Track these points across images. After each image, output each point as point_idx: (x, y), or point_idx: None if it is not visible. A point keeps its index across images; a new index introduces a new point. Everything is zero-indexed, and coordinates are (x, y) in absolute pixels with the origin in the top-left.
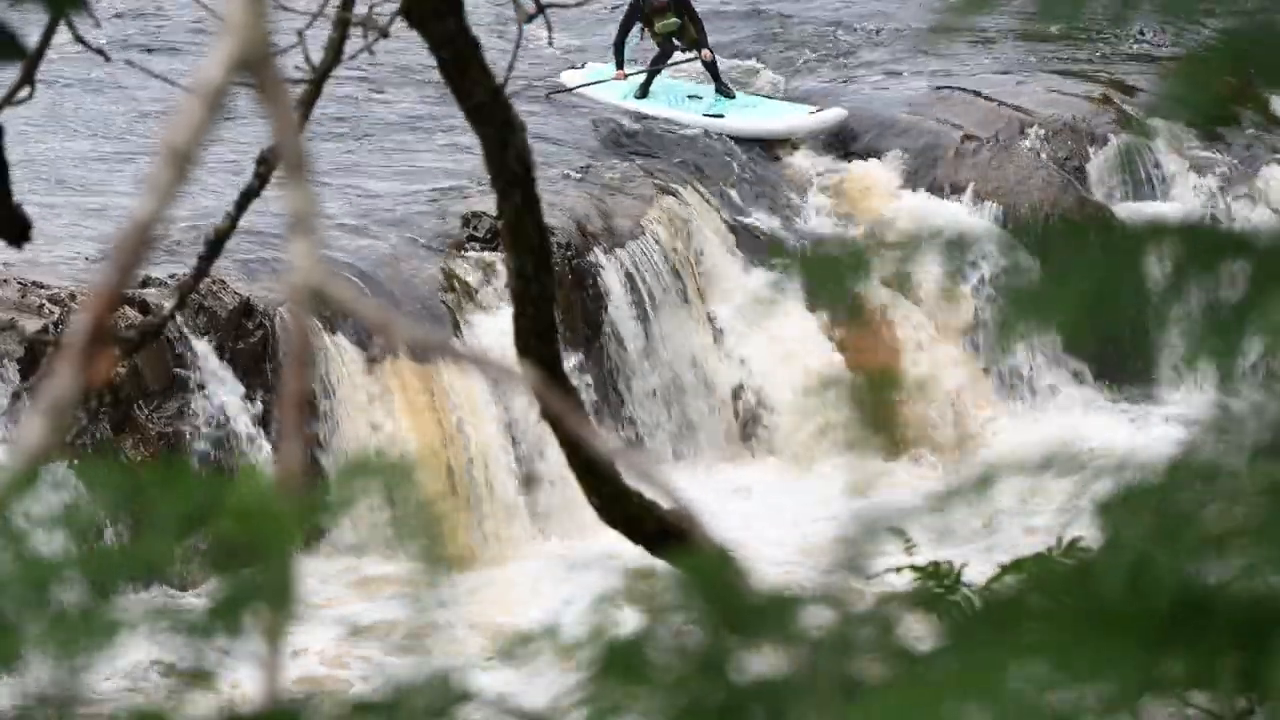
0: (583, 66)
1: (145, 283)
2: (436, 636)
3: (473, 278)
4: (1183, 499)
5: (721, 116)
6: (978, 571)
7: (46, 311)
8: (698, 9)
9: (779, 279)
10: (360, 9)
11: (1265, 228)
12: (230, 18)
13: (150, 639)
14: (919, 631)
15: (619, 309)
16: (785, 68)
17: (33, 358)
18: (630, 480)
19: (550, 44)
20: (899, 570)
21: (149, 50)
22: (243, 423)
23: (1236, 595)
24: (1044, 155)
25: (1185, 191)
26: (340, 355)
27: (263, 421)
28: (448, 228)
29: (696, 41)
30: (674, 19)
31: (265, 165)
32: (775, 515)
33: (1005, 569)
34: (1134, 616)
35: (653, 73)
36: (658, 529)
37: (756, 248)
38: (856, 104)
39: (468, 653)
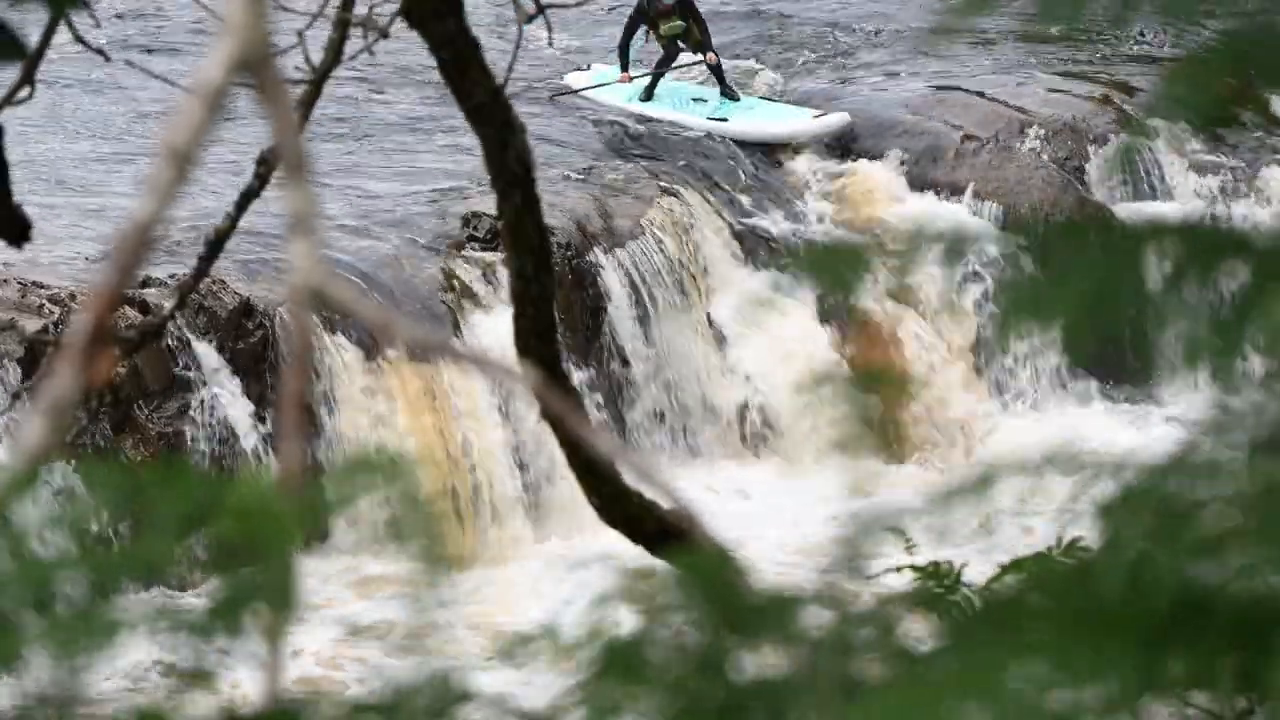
0: (588, 68)
1: (145, 283)
2: (436, 636)
3: (473, 278)
4: (1183, 499)
5: (725, 120)
6: (978, 571)
7: (46, 311)
8: (700, 10)
9: (778, 279)
10: (360, 9)
11: (1265, 228)
12: (230, 18)
13: (150, 639)
14: (919, 631)
15: (619, 309)
16: (784, 68)
17: (33, 358)
18: (630, 480)
19: (550, 45)
20: (899, 570)
21: (149, 51)
22: (242, 422)
23: (1236, 595)
24: (1044, 155)
25: (1185, 191)
26: (340, 355)
27: (263, 421)
28: (448, 228)
29: (701, 44)
30: (679, 22)
31: (265, 165)
32: (775, 515)
33: (1005, 569)
34: (1134, 616)
35: (657, 76)
36: (658, 529)
37: (758, 249)
38: (856, 105)
39: (468, 653)
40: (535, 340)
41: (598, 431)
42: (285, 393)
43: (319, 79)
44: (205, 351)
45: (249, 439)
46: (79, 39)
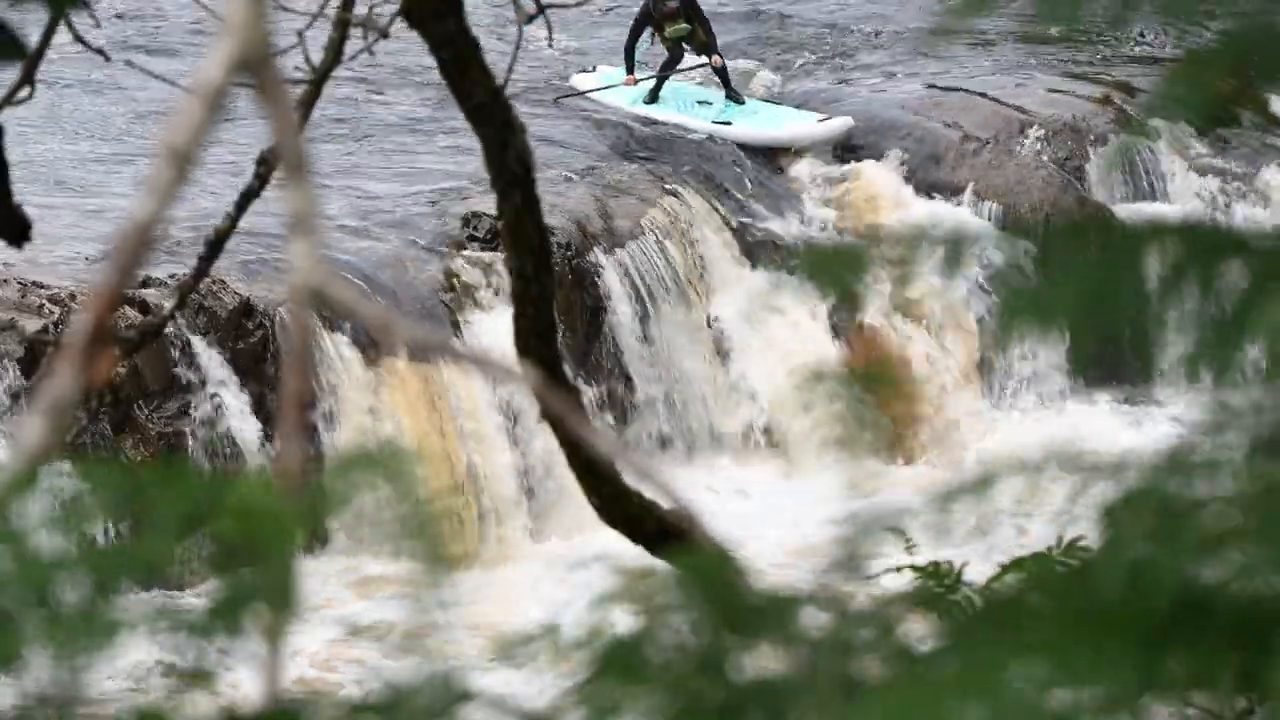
0: (593, 70)
1: (145, 283)
2: (436, 637)
3: (473, 278)
4: (1182, 499)
5: (729, 124)
6: (978, 571)
7: (46, 311)
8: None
9: (779, 280)
10: (360, 9)
11: (1265, 228)
12: (230, 18)
13: (150, 639)
14: (919, 631)
15: (619, 309)
16: (783, 69)
17: (33, 358)
18: (630, 480)
19: (550, 45)
20: (899, 570)
21: (149, 51)
22: (242, 422)
23: (1236, 595)
24: (1044, 155)
25: (1185, 192)
26: (340, 355)
27: (263, 421)
28: (448, 228)
29: (706, 47)
30: (684, 24)
31: (265, 166)
32: (775, 515)
33: (1005, 569)
34: (1134, 616)
35: (662, 78)
36: (658, 529)
37: (758, 251)
38: (856, 106)
39: (467, 653)
40: (535, 340)
41: (598, 432)
42: (285, 393)
43: (319, 79)
44: (205, 351)
45: (249, 439)
46: (79, 39)
